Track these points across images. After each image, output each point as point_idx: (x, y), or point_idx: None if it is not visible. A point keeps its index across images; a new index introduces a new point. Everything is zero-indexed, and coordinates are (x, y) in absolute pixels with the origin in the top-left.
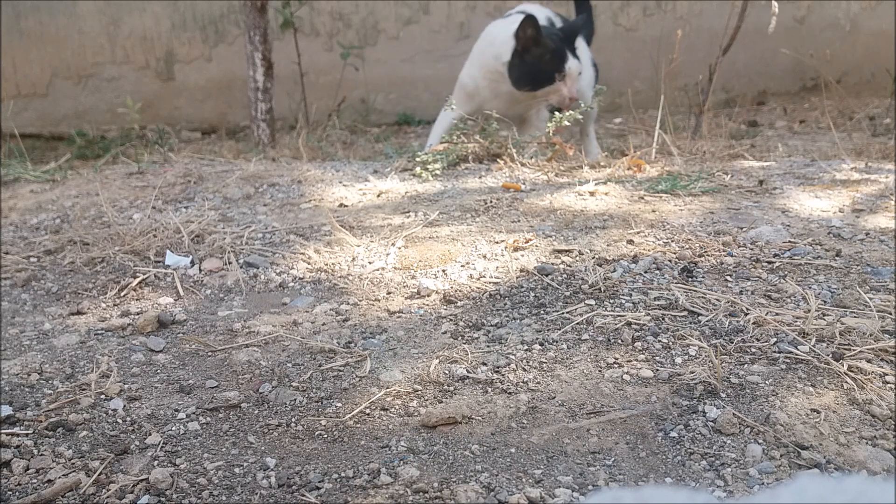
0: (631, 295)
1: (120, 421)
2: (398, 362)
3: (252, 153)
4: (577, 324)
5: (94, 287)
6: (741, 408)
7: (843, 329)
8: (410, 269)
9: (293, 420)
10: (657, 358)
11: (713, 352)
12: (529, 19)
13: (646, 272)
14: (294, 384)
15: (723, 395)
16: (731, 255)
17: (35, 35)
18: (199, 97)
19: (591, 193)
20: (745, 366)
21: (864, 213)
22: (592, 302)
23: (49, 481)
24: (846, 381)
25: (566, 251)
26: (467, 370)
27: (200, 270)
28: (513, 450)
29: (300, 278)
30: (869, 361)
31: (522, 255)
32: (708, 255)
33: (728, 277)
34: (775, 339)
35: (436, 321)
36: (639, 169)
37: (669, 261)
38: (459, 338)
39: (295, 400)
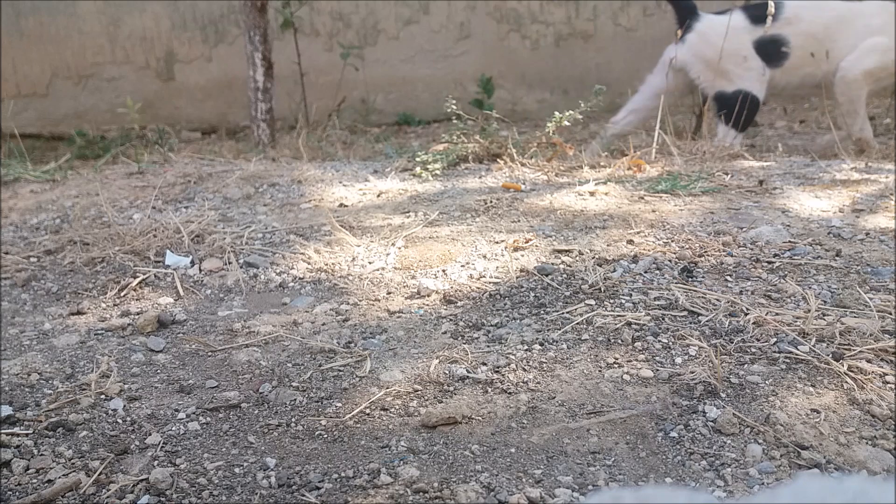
0: (631, 295)
1: (120, 421)
2: (398, 362)
3: (252, 153)
4: (577, 324)
5: (94, 287)
6: (741, 408)
7: (843, 329)
8: (410, 269)
9: (293, 420)
10: (657, 358)
11: (713, 352)
12: None
13: (646, 272)
14: (294, 384)
15: (723, 395)
16: (731, 255)
17: (35, 35)
18: (199, 97)
19: (591, 193)
20: (745, 366)
21: (864, 213)
22: (592, 302)
23: (49, 481)
24: (846, 381)
25: (566, 251)
26: (467, 370)
27: (200, 270)
28: (513, 450)
29: (300, 278)
30: (869, 361)
31: (522, 255)
32: (708, 255)
33: (728, 277)
34: (775, 339)
35: (436, 321)
36: (639, 169)
37: (669, 261)
38: (459, 338)
39: (295, 400)
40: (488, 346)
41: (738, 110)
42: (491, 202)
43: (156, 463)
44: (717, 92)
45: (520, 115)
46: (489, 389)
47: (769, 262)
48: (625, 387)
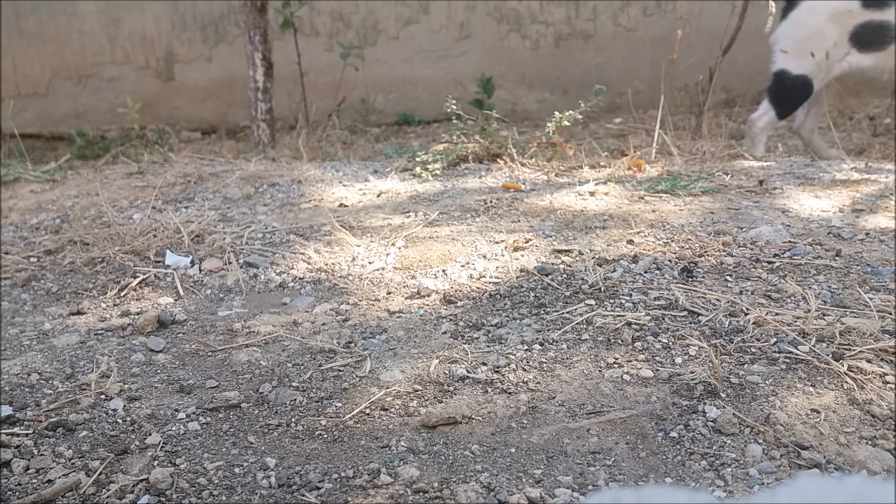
0: (631, 295)
1: (120, 421)
2: (398, 362)
3: (252, 153)
4: (577, 324)
5: (94, 287)
6: (741, 408)
7: (843, 329)
8: (410, 269)
9: (293, 420)
10: (657, 358)
11: (713, 352)
12: None
13: (646, 272)
14: (294, 384)
15: (723, 395)
16: (731, 255)
17: (35, 35)
18: (199, 97)
19: (591, 193)
20: (745, 366)
21: (864, 213)
22: (592, 302)
23: (49, 481)
24: (846, 381)
25: (566, 251)
26: (467, 370)
27: (200, 270)
28: (513, 450)
29: (300, 278)
30: (869, 361)
31: (522, 255)
32: (708, 255)
33: (728, 277)
34: (775, 339)
35: (436, 321)
36: (639, 169)
37: (669, 261)
38: (459, 338)
39: (295, 400)
40: (488, 346)
41: (789, 94)
42: (491, 202)
43: (156, 463)
44: (780, 68)
45: (520, 115)
46: (489, 389)
47: (769, 262)
48: (625, 387)
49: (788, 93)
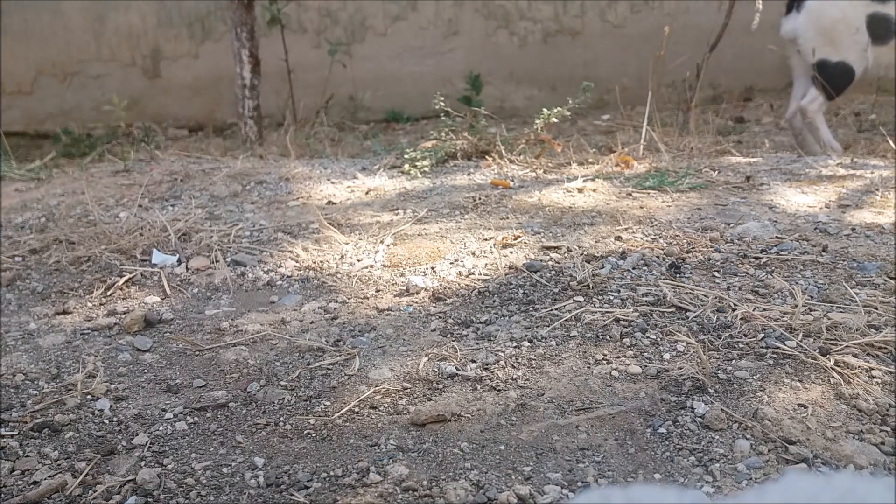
0: (619, 291)
1: (106, 421)
2: (387, 360)
3: (239, 150)
4: (566, 320)
5: (80, 286)
6: (729, 403)
7: (829, 324)
8: (399, 266)
9: (281, 419)
10: (645, 354)
11: (701, 347)
12: None
13: (634, 268)
14: (282, 383)
15: (711, 391)
16: (719, 251)
17: (19, 32)
18: (185, 94)
19: (580, 190)
20: (733, 361)
21: (849, 209)
22: (581, 298)
23: (35, 483)
24: (833, 376)
25: (555, 248)
26: (456, 367)
27: (187, 269)
28: (502, 447)
29: (288, 276)
30: (855, 356)
31: (511, 252)
32: (695, 251)
33: (715, 273)
34: (763, 335)
35: (425, 319)
36: (626, 165)
37: (657, 257)
38: (448, 335)
39: (283, 399)
40: (477, 344)
41: (834, 80)
42: (480, 199)
43: (143, 463)
44: (820, 59)
45: (508, 112)
46: (478, 387)
47: (756, 258)
48: (613, 383)
49: (833, 79)
